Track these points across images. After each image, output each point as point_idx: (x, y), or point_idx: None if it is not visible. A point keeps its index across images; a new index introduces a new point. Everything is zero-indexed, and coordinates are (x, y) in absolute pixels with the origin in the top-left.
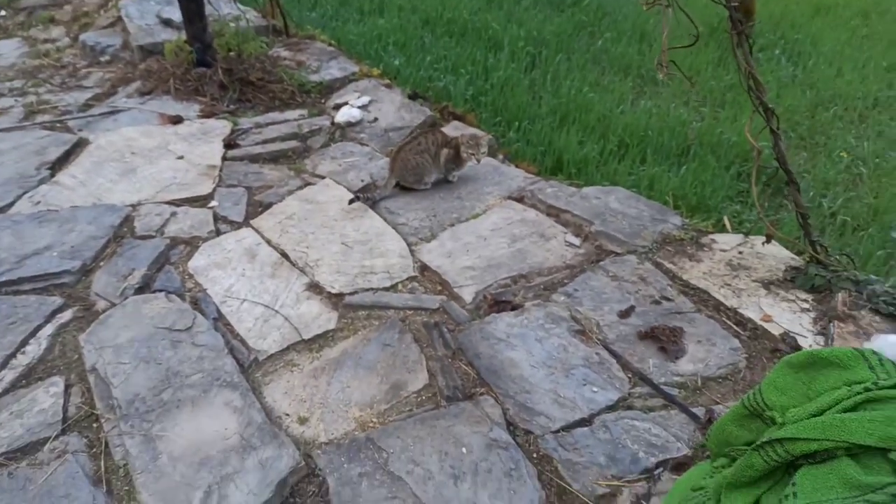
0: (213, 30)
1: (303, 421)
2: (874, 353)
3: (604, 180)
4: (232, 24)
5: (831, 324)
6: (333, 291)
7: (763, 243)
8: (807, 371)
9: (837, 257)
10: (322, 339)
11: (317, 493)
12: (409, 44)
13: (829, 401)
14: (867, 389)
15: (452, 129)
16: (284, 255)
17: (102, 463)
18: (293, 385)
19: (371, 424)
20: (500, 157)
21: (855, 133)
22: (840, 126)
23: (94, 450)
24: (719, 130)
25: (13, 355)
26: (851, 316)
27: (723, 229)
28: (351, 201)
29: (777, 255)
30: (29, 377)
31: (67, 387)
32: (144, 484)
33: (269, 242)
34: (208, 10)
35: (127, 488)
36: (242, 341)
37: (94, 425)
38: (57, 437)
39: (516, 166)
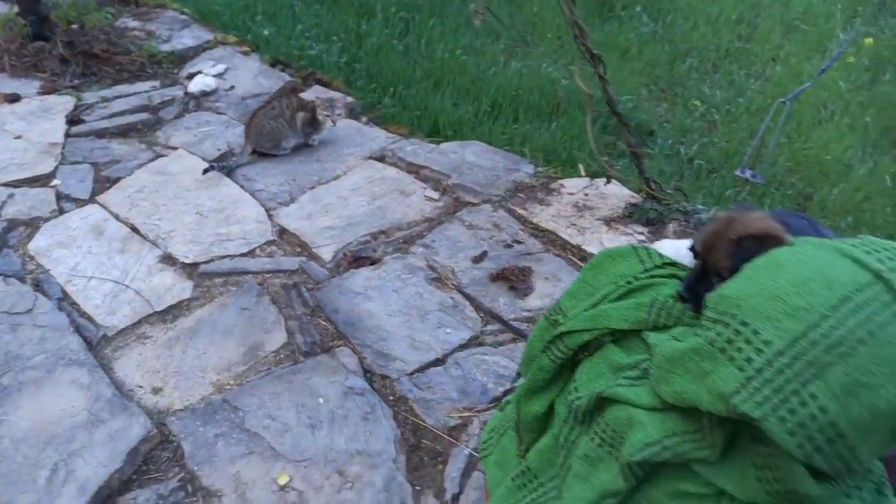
0: (51, 2)
1: (157, 391)
2: (646, 248)
3: (479, 140)
4: None
5: None
6: (188, 261)
7: (605, 184)
8: (593, 272)
9: (670, 192)
10: (176, 310)
11: (171, 459)
12: (279, 13)
13: (601, 295)
14: (630, 281)
15: (312, 95)
16: (134, 229)
17: None
18: (146, 357)
19: (228, 387)
20: (364, 119)
21: (709, 83)
22: (696, 77)
23: None
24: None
25: None
26: None
27: (578, 175)
28: (205, 171)
29: (619, 195)
30: None
31: None
32: None
33: (117, 217)
34: None
35: None
36: (90, 319)
37: None
38: None
39: (387, 130)
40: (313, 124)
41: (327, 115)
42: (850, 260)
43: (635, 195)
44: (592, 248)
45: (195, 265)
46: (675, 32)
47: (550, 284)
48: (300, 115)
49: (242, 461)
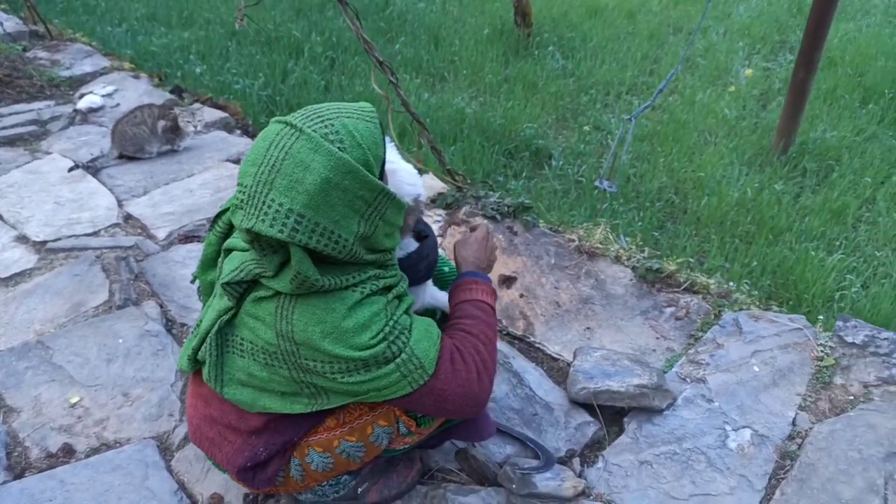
0: None
1: None
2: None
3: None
4: None
5: (449, 228)
6: (38, 240)
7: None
8: None
9: (469, 181)
10: (19, 277)
11: None
12: (212, 53)
13: None
14: None
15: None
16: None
17: None
18: None
19: (48, 333)
20: (238, 132)
21: (609, 112)
22: (598, 107)
23: None
24: (489, 115)
25: None
26: (466, 221)
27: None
28: (70, 169)
29: (433, 186)
30: None
31: None
32: None
33: None
34: None
35: None
36: None
37: None
38: None
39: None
40: (175, 131)
41: (189, 122)
42: (278, 123)
43: (448, 186)
44: None
45: (44, 243)
46: (582, 68)
47: None
48: (160, 123)
49: (44, 387)
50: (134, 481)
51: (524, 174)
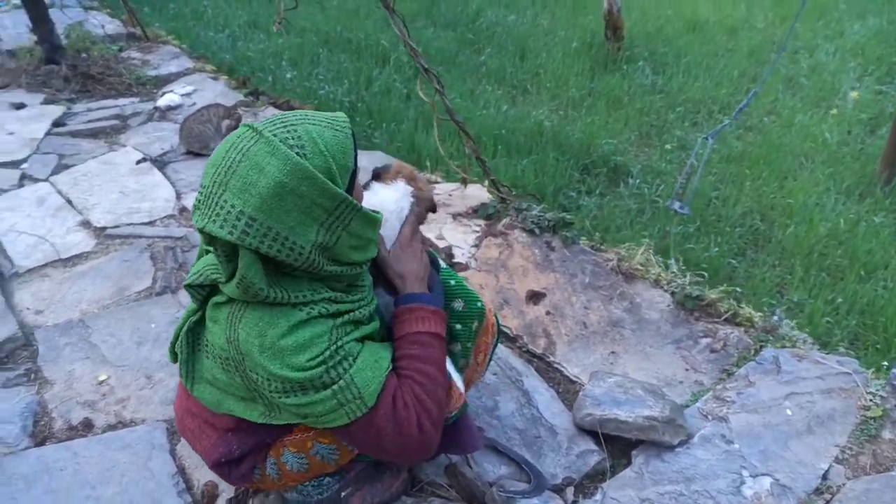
0: (68, 34)
1: (38, 312)
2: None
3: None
4: (84, 29)
5: (486, 238)
6: (99, 226)
7: (464, 187)
8: None
9: (516, 192)
10: (77, 259)
11: (27, 356)
12: (304, 59)
13: None
14: None
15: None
16: (69, 201)
17: None
18: (41, 289)
19: (91, 313)
20: None
21: (697, 130)
22: (686, 125)
23: None
24: (567, 129)
25: None
26: (504, 233)
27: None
28: (138, 161)
29: (478, 196)
30: None
31: None
32: None
33: (59, 192)
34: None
35: None
36: (9, 259)
37: None
38: None
39: None
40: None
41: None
42: (243, 128)
43: (492, 197)
44: (430, 234)
45: (103, 229)
46: (673, 85)
47: None
48: (225, 122)
49: (78, 363)
50: (138, 461)
51: (598, 191)
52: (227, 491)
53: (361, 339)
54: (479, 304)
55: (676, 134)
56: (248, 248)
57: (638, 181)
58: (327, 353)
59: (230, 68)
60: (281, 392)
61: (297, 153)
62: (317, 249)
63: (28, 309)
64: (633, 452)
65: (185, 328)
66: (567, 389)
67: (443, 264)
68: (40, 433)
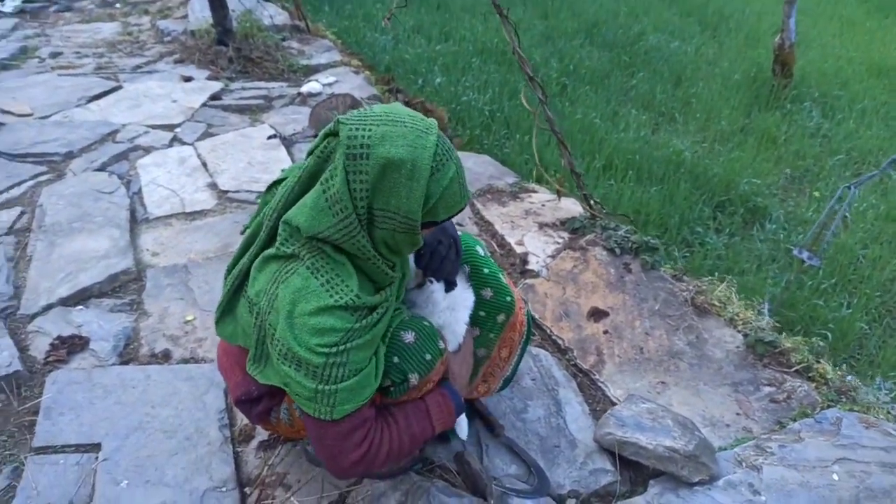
0: (240, 20)
1: (154, 254)
2: (287, 223)
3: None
4: (255, 16)
5: (564, 251)
6: (223, 189)
7: (558, 199)
8: None
9: (607, 210)
10: (198, 214)
11: (134, 290)
12: (456, 66)
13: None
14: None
15: None
16: (204, 164)
17: (20, 252)
18: (162, 235)
19: (195, 262)
20: None
21: (854, 180)
22: (846, 175)
23: (20, 245)
24: (707, 162)
25: (1, 193)
26: (584, 248)
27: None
28: (269, 137)
29: (570, 209)
30: (2, 206)
31: (22, 213)
32: (36, 266)
33: (199, 156)
34: (240, 6)
35: (26, 269)
36: (144, 206)
37: (27, 235)
38: (2, 235)
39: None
40: None
41: None
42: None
43: (584, 212)
44: (512, 239)
45: (225, 192)
46: (840, 131)
47: None
48: (351, 112)
49: (174, 302)
50: (196, 393)
51: (728, 230)
52: (261, 435)
53: (371, 356)
54: (508, 298)
55: (832, 183)
56: (346, 166)
57: (775, 227)
58: (334, 349)
59: (386, 67)
60: (280, 356)
61: (434, 168)
62: (365, 216)
63: (147, 250)
64: (651, 482)
65: (238, 269)
66: (603, 409)
67: (481, 251)
68: (127, 355)
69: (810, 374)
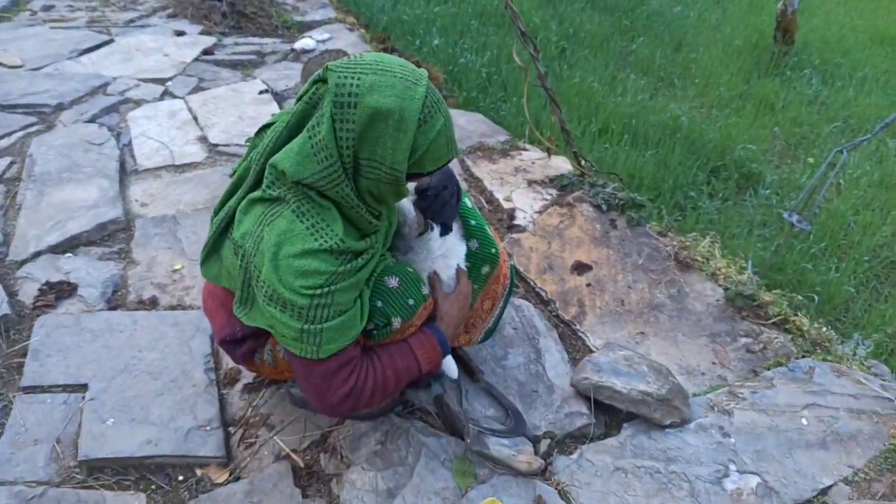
0: None
1: (143, 205)
2: (273, 167)
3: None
4: None
5: (552, 207)
6: (213, 142)
7: (548, 157)
8: None
9: (596, 168)
10: (188, 167)
11: (124, 239)
12: (454, 28)
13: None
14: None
15: None
16: (195, 118)
17: (9, 201)
18: (151, 186)
19: (184, 212)
20: None
21: (855, 151)
22: (842, 141)
23: (10, 194)
24: (704, 127)
25: None
26: (571, 205)
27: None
28: (260, 92)
29: (559, 167)
30: None
31: (12, 163)
32: (25, 215)
33: (189, 110)
34: None
35: (15, 217)
36: (134, 158)
37: (16, 184)
38: None
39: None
40: None
41: None
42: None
43: (573, 169)
44: (500, 195)
45: (216, 145)
46: (838, 98)
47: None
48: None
49: (162, 251)
50: (182, 337)
51: (722, 196)
52: (246, 378)
53: (355, 298)
54: (493, 249)
55: (827, 149)
56: (333, 114)
57: (768, 192)
58: (318, 290)
59: (384, 27)
60: (265, 297)
61: (422, 111)
62: (349, 168)
63: (136, 201)
64: (625, 425)
65: (224, 212)
66: (582, 358)
67: (469, 203)
68: (115, 301)
69: (787, 327)
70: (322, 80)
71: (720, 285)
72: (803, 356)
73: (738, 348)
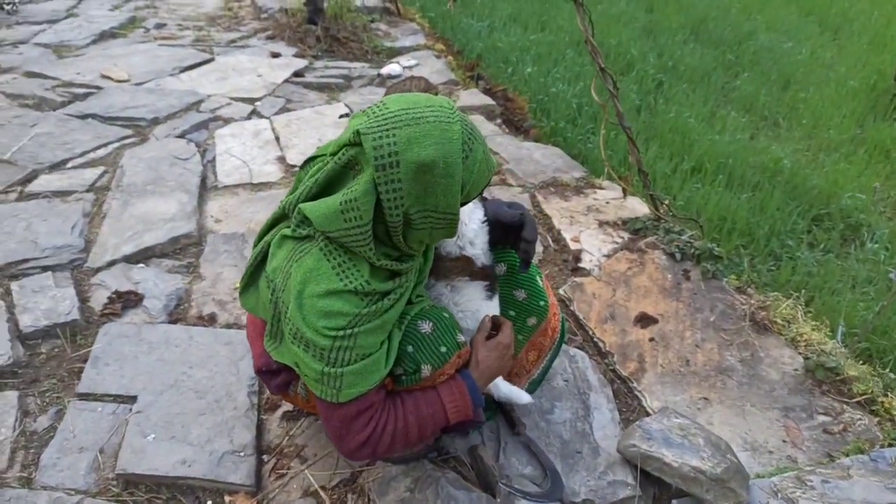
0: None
1: (217, 221)
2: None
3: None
4: None
5: (621, 251)
6: (290, 163)
7: (624, 197)
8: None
9: (674, 212)
10: (264, 185)
11: (194, 253)
12: (548, 57)
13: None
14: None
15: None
16: (277, 138)
17: (96, 209)
18: (228, 203)
19: (253, 232)
20: (498, 121)
21: None
22: None
23: (97, 202)
24: (807, 172)
25: (89, 152)
26: (643, 251)
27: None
28: (341, 116)
29: (634, 209)
30: (87, 164)
31: (104, 172)
32: (108, 223)
33: (273, 130)
34: None
35: (99, 225)
36: (215, 174)
37: (105, 193)
38: (83, 192)
39: (536, 142)
40: None
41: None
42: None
43: (649, 212)
44: (568, 235)
45: (293, 166)
46: None
47: None
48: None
49: (227, 268)
50: (232, 358)
51: (823, 247)
52: (286, 405)
53: (382, 341)
54: (542, 302)
55: None
56: (377, 178)
57: (876, 246)
58: (341, 332)
59: (478, 54)
60: (291, 335)
61: (465, 156)
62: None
63: (211, 217)
64: (674, 502)
65: (263, 244)
66: (636, 420)
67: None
68: (176, 314)
69: (874, 408)
70: (353, 144)
71: (800, 353)
72: (890, 444)
73: (814, 427)
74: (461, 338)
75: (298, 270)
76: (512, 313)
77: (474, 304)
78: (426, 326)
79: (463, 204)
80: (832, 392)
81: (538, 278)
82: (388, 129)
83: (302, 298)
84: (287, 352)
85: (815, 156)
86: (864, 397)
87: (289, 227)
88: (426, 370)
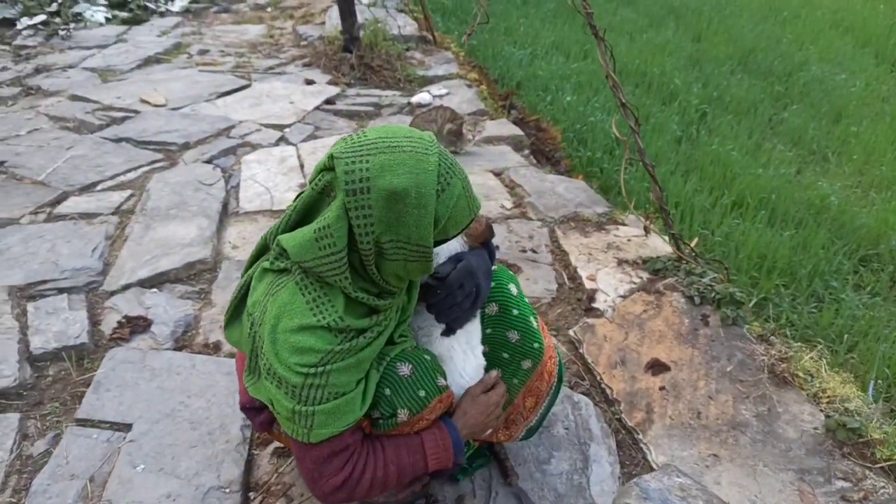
0: (365, 29)
1: (234, 247)
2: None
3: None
4: (383, 27)
5: (638, 292)
6: None
7: (646, 235)
8: None
9: (697, 253)
10: (282, 212)
11: (207, 279)
12: (589, 86)
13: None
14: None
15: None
16: (301, 165)
17: (119, 232)
18: (247, 230)
19: None
20: (525, 152)
21: None
22: None
23: (121, 225)
24: (855, 209)
25: (119, 175)
26: (661, 292)
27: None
28: None
29: (656, 248)
30: (116, 187)
31: (131, 195)
32: (128, 247)
33: (298, 157)
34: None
35: (119, 248)
36: (237, 200)
37: (129, 216)
38: (108, 214)
39: (567, 176)
40: (458, 135)
41: (469, 130)
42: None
43: (670, 252)
44: (584, 273)
45: None
46: None
47: (525, 283)
48: (447, 125)
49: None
50: (230, 388)
51: (871, 289)
52: (278, 443)
53: (358, 380)
54: (536, 344)
55: None
56: (347, 203)
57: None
58: (312, 370)
59: (517, 83)
60: (265, 370)
61: (439, 182)
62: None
63: (229, 243)
64: None
65: (246, 277)
66: (638, 474)
67: (514, 291)
68: (182, 341)
69: None
70: (328, 169)
71: (822, 410)
72: None
73: (832, 493)
74: (442, 381)
75: (273, 305)
76: (505, 356)
77: (429, 328)
78: (405, 369)
79: (442, 240)
80: (854, 455)
81: (532, 319)
82: (362, 155)
83: (276, 333)
84: (263, 388)
85: (864, 193)
86: (888, 463)
87: (268, 259)
88: (403, 415)
